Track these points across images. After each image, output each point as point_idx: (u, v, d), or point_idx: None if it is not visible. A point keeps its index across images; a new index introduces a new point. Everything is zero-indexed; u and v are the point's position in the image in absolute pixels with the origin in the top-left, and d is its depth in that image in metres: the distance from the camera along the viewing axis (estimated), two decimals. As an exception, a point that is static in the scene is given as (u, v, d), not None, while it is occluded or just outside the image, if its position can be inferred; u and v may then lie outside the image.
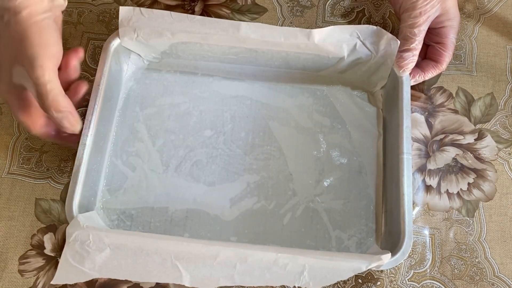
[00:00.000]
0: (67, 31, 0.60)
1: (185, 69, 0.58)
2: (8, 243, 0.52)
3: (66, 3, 0.50)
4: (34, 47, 0.45)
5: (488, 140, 0.56)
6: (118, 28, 0.53)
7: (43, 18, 0.46)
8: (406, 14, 0.53)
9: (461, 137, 0.56)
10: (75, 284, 0.50)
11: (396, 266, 0.51)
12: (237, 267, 0.45)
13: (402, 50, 0.53)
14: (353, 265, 0.45)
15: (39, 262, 0.51)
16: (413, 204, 0.50)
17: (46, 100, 0.44)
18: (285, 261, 0.45)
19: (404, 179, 0.49)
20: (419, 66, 0.55)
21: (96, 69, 0.53)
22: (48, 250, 0.51)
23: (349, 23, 0.62)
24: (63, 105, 0.45)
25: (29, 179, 0.54)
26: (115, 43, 0.54)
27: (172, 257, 0.45)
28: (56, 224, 0.52)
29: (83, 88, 0.50)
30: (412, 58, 0.53)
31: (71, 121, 0.47)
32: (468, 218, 0.53)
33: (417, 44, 0.53)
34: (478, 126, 0.57)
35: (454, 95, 0.58)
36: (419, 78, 0.55)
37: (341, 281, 0.50)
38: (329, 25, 0.53)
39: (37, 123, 0.48)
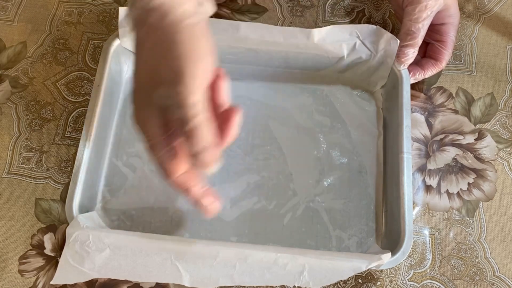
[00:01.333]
0: (67, 31, 0.61)
1: (185, 69, 0.58)
2: (8, 243, 0.52)
3: (215, 9, 0.41)
4: (183, 57, 0.36)
5: (488, 140, 0.56)
6: (118, 29, 0.53)
7: (197, 22, 0.38)
8: (411, 8, 0.53)
9: (461, 137, 0.56)
10: (75, 284, 0.50)
11: (396, 266, 0.51)
12: (237, 267, 0.45)
13: (404, 46, 0.53)
14: (353, 264, 0.45)
15: (39, 262, 0.51)
16: (413, 204, 0.50)
17: (187, 126, 0.36)
18: (285, 261, 0.45)
19: (404, 179, 0.49)
20: (419, 64, 0.56)
21: (96, 69, 0.53)
22: (48, 250, 0.51)
23: (349, 23, 0.62)
24: (205, 138, 0.37)
25: (29, 179, 0.54)
26: (115, 43, 0.54)
27: (172, 257, 0.45)
28: (56, 224, 0.52)
29: (236, 118, 0.40)
30: (413, 54, 0.54)
31: (206, 160, 0.38)
32: (468, 218, 0.53)
33: (419, 40, 0.53)
34: (478, 126, 0.57)
35: (454, 95, 0.58)
36: (419, 76, 0.55)
37: (341, 281, 0.50)
38: (329, 25, 0.53)
39: (181, 167, 0.39)
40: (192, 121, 0.36)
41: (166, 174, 0.39)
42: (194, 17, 0.37)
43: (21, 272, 0.50)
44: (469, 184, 0.54)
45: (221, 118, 0.39)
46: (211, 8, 0.40)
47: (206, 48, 0.38)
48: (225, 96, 0.40)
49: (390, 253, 0.46)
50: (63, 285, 0.50)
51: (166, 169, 0.39)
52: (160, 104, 0.38)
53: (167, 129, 0.39)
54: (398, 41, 0.53)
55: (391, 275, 0.51)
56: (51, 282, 0.47)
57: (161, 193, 0.53)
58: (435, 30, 0.55)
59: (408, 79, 0.54)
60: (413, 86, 0.57)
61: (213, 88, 0.39)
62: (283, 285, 0.50)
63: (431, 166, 0.55)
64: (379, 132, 0.56)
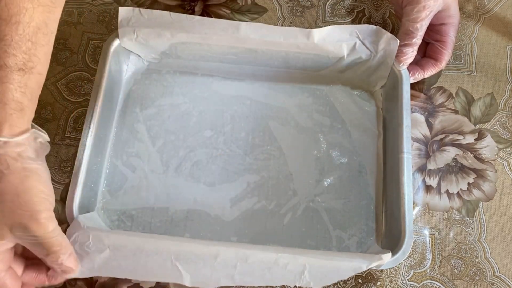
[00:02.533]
0: (67, 31, 0.60)
1: (185, 69, 0.58)
2: (8, 244, 0.51)
3: (49, 147, 0.45)
4: (34, 200, 0.41)
5: (488, 140, 0.56)
6: (118, 29, 0.53)
7: (37, 167, 0.42)
8: (410, 8, 0.53)
9: (461, 137, 0.56)
10: (75, 283, 0.50)
11: (396, 266, 0.51)
12: (237, 267, 0.45)
13: (403, 45, 0.53)
14: (353, 264, 0.45)
15: (39, 262, 0.51)
16: (413, 204, 0.50)
17: (52, 248, 0.42)
18: (286, 261, 0.45)
19: (404, 179, 0.49)
20: (419, 64, 0.56)
21: (96, 69, 0.53)
22: (48, 250, 0.51)
23: (349, 23, 0.62)
24: (69, 246, 0.44)
25: (29, 179, 0.54)
26: (115, 43, 0.54)
27: (172, 257, 0.45)
28: (56, 224, 0.52)
29: None
30: (412, 53, 0.54)
31: (74, 261, 0.44)
32: (468, 218, 0.53)
33: (418, 39, 0.53)
34: (478, 126, 0.57)
35: (454, 95, 0.58)
36: (419, 76, 0.55)
37: (341, 281, 0.50)
38: (329, 25, 0.53)
39: None
40: (56, 242, 0.42)
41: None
42: (35, 161, 0.42)
43: (21, 272, 0.50)
44: (469, 184, 0.54)
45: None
46: (47, 141, 0.44)
47: (50, 186, 0.43)
48: None
49: (391, 253, 0.46)
50: (63, 284, 0.50)
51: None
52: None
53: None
54: (398, 41, 0.53)
55: (391, 275, 0.51)
56: (51, 282, 0.47)
57: (161, 193, 0.53)
58: (435, 30, 0.55)
59: (408, 79, 0.54)
60: (413, 86, 0.57)
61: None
62: (284, 285, 0.50)
63: (431, 166, 0.55)
64: (379, 132, 0.56)
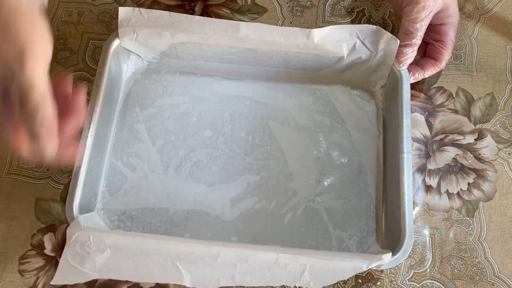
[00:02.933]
0: (67, 31, 0.60)
1: (185, 69, 0.58)
2: (8, 243, 0.51)
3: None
4: (23, 41, 0.37)
5: (488, 140, 0.56)
6: (118, 29, 0.53)
7: (34, 9, 0.39)
8: (409, 8, 0.53)
9: (461, 137, 0.56)
10: (75, 284, 0.50)
11: (396, 266, 0.51)
12: (237, 267, 0.45)
13: (402, 45, 0.53)
14: (354, 264, 0.45)
15: (39, 262, 0.51)
16: (413, 204, 0.50)
17: (30, 104, 0.37)
18: (286, 261, 0.45)
19: (404, 179, 0.49)
20: (419, 64, 0.56)
21: (96, 69, 0.53)
22: (48, 250, 0.51)
23: (349, 23, 0.62)
24: (46, 118, 0.38)
25: (29, 179, 0.54)
26: (115, 43, 0.54)
27: (173, 257, 0.45)
28: (56, 224, 0.52)
29: (79, 96, 0.42)
30: (412, 53, 0.54)
31: (44, 142, 0.38)
32: (468, 218, 0.53)
33: (418, 39, 0.53)
34: (478, 126, 0.57)
35: (454, 95, 0.58)
36: (419, 76, 0.55)
37: (341, 281, 0.50)
38: (329, 25, 0.53)
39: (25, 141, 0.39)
40: (33, 101, 0.37)
41: (13, 150, 0.40)
42: (29, 5, 0.39)
43: (21, 272, 0.50)
44: (469, 184, 0.55)
45: (67, 104, 0.41)
46: None
47: (43, 33, 0.39)
48: (69, 85, 0.42)
49: (391, 253, 0.46)
50: (63, 285, 0.50)
51: (11, 146, 0.39)
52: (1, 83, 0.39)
53: (4, 106, 0.39)
54: (398, 41, 0.53)
55: (391, 275, 0.51)
56: (51, 282, 0.46)
57: (161, 193, 0.53)
58: (434, 30, 0.55)
59: (408, 79, 0.54)
60: (413, 86, 0.57)
61: (56, 79, 0.41)
62: (284, 285, 0.50)
63: (431, 166, 0.55)
64: (379, 132, 0.56)
